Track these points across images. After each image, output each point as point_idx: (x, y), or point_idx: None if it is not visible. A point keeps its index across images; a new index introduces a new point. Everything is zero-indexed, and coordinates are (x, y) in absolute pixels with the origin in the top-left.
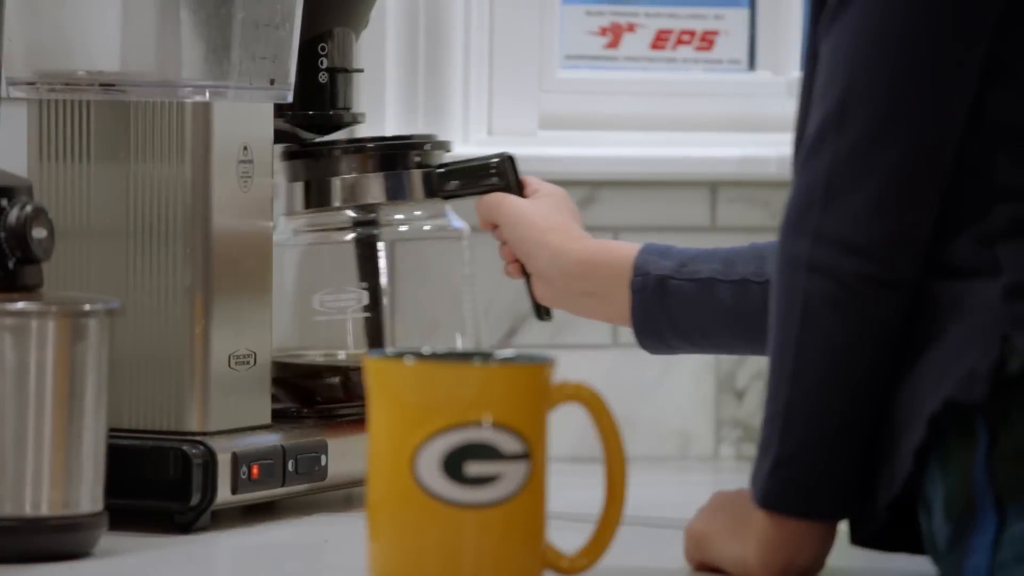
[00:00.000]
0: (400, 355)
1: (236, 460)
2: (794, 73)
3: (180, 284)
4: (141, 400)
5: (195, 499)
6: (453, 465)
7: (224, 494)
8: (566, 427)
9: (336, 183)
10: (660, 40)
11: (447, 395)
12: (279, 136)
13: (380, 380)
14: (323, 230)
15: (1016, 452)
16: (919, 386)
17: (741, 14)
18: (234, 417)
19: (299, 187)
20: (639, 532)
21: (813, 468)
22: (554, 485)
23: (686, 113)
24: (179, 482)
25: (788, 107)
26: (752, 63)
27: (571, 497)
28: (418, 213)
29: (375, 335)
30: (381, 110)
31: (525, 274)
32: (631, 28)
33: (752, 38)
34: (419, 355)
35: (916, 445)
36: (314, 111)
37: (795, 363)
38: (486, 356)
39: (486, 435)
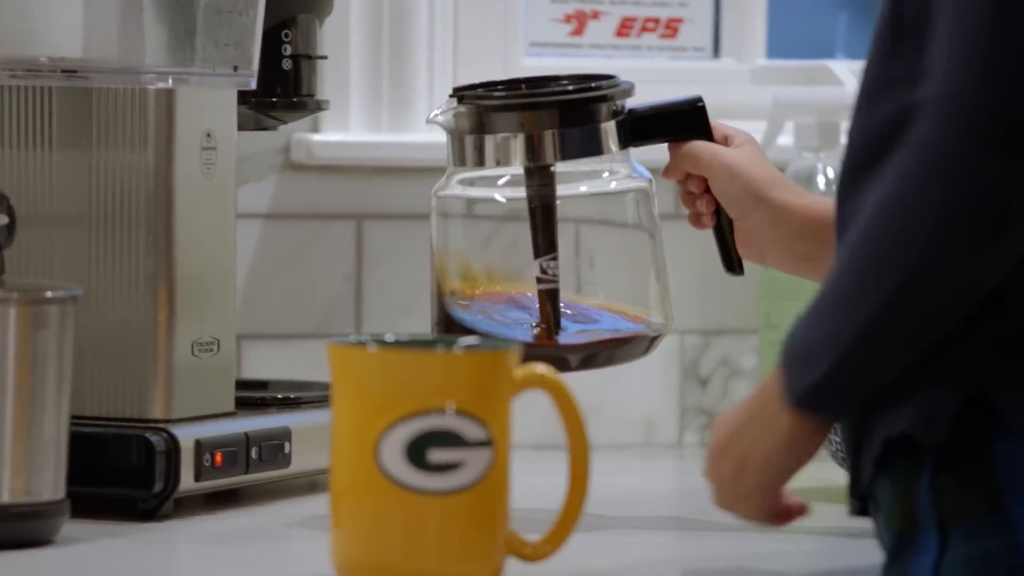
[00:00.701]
0: (363, 342)
1: (199, 447)
2: (758, 60)
3: (143, 271)
4: (104, 387)
5: (158, 486)
6: (416, 452)
7: (187, 481)
8: (530, 415)
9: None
10: (624, 27)
11: (410, 382)
12: (242, 123)
13: (343, 367)
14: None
15: (960, 477)
16: (901, 379)
17: (705, 2)
18: (197, 404)
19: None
20: (602, 520)
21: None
22: (518, 473)
23: (651, 99)
24: (142, 469)
25: (752, 95)
26: (716, 51)
27: (535, 484)
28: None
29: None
30: (345, 97)
31: (718, 225)
32: (595, 15)
33: (716, 26)
34: (382, 342)
35: (875, 458)
36: (278, 98)
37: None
38: (449, 343)
39: (449, 422)
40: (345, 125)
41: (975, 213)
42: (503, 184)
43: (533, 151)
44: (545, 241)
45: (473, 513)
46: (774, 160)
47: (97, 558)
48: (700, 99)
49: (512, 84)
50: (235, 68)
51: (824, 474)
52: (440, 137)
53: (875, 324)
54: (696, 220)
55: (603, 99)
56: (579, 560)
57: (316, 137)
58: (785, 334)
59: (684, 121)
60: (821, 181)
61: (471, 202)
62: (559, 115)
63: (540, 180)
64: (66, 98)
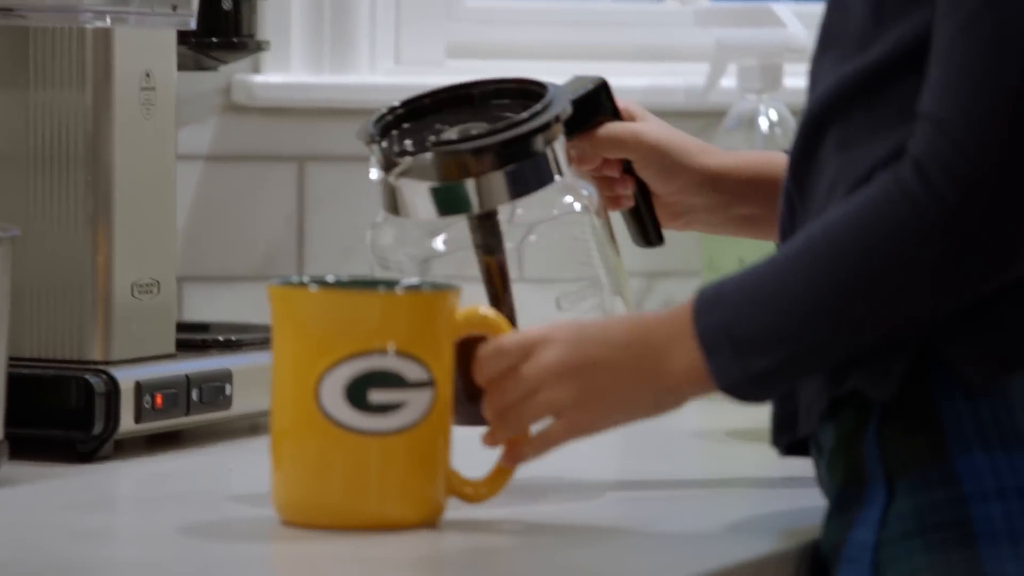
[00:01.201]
0: (304, 283)
1: (139, 389)
2: (701, 2)
3: (82, 212)
4: (43, 329)
5: (97, 428)
6: (357, 393)
7: (127, 423)
8: None
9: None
10: None
11: (350, 323)
12: (182, 63)
13: (284, 308)
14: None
15: (906, 428)
16: None
17: None
18: (137, 346)
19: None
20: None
21: (798, 380)
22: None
23: (593, 43)
24: (81, 411)
25: (695, 37)
26: None
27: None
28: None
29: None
30: (286, 38)
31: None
32: None
33: None
34: (323, 283)
35: (821, 411)
36: (218, 38)
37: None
38: (390, 284)
39: (390, 363)
40: (286, 66)
41: (963, 262)
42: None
43: (480, 198)
44: (506, 301)
45: (413, 454)
46: (717, 103)
47: (36, 499)
48: (602, 79)
49: (435, 119)
50: (174, 7)
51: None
52: (383, 79)
53: (837, 335)
54: (616, 203)
55: (548, 126)
56: (521, 501)
57: (257, 78)
58: (708, 292)
59: (593, 105)
60: (764, 123)
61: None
62: (502, 156)
63: (486, 227)
64: (2, 37)
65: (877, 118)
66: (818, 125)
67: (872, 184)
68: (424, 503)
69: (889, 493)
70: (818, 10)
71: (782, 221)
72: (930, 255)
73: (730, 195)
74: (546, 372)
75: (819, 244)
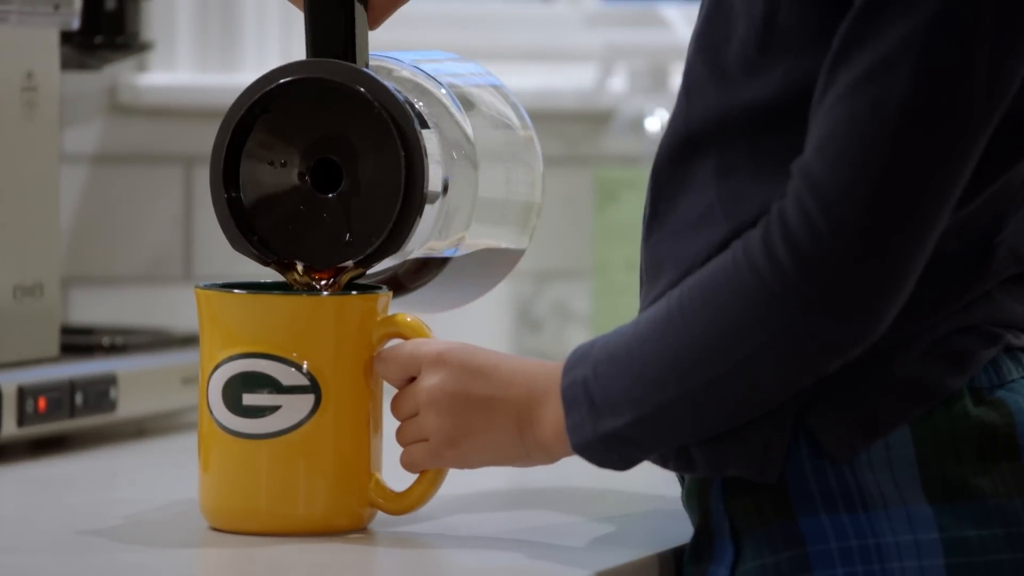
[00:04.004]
0: (224, 285)
1: (21, 393)
2: (590, 4)
3: None
4: None
5: None
6: (233, 396)
7: (9, 427)
8: None
9: None
10: None
11: (236, 325)
12: (65, 63)
13: (202, 309)
14: None
15: (751, 485)
16: None
17: None
18: (20, 349)
19: None
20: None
21: (651, 448)
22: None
23: (483, 44)
24: None
25: (584, 38)
26: None
27: None
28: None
29: None
30: (172, 37)
31: None
32: None
33: None
34: (222, 285)
35: (686, 474)
36: (101, 38)
37: (734, 374)
38: (284, 287)
39: (262, 366)
40: (172, 65)
41: (804, 336)
42: None
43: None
44: None
45: (297, 459)
46: (606, 104)
47: None
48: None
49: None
50: (56, 6)
51: None
52: None
53: (685, 402)
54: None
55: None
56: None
57: (142, 79)
58: (581, 348)
59: None
60: (652, 124)
61: None
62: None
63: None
64: None
65: (761, 157)
66: (696, 143)
67: (731, 247)
68: (325, 510)
69: (736, 550)
70: None
71: (645, 223)
72: (771, 327)
73: None
74: (426, 397)
75: (675, 307)
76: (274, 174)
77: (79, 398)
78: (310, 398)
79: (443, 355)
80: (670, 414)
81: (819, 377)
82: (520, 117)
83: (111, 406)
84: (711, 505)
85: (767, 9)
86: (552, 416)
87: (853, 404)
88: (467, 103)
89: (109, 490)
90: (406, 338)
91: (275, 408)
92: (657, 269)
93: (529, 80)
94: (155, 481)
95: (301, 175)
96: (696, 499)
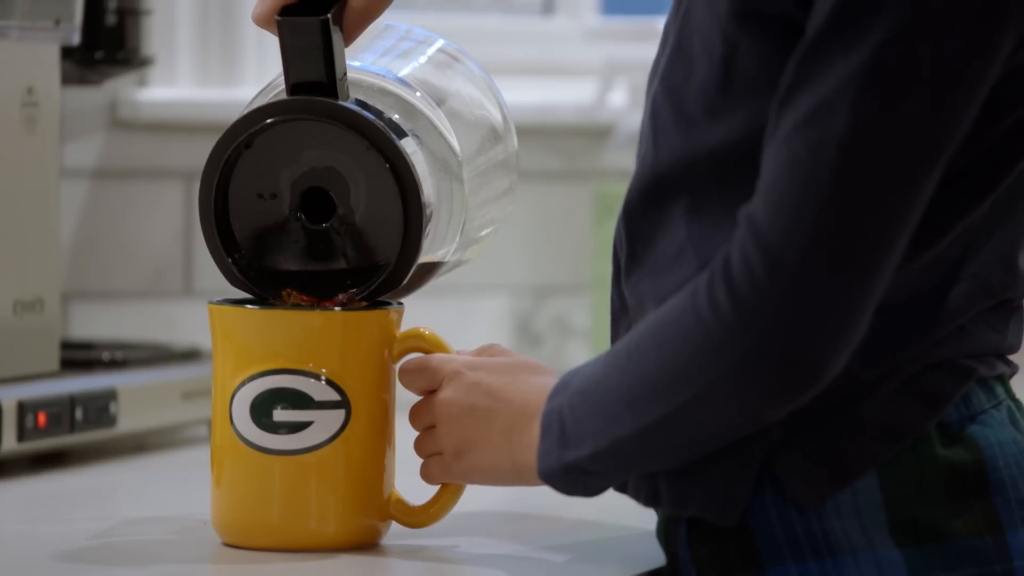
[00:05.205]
0: (237, 301)
1: (21, 408)
2: (590, 19)
3: None
4: None
5: None
6: (263, 412)
7: (9, 443)
8: None
9: None
10: None
11: (259, 341)
12: (66, 78)
13: (213, 324)
14: None
15: (717, 532)
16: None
17: None
18: (20, 364)
19: None
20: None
21: (611, 479)
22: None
23: (483, 58)
24: None
25: (584, 53)
26: (549, 8)
27: None
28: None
29: None
30: (173, 52)
31: None
32: None
33: None
34: (254, 301)
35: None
36: (102, 53)
37: (685, 411)
38: (322, 305)
39: (294, 382)
40: (173, 80)
41: (746, 382)
42: None
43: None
44: None
45: (325, 475)
46: (606, 119)
47: None
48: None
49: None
50: (57, 22)
51: None
52: None
53: (640, 438)
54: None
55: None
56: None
57: (143, 95)
58: (565, 375)
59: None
60: None
61: None
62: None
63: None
64: None
65: (732, 196)
66: (666, 186)
67: (684, 288)
68: (347, 525)
69: None
70: None
71: (623, 263)
72: (712, 373)
73: None
74: (439, 410)
75: (632, 344)
76: (264, 206)
77: (79, 413)
78: (341, 413)
79: (462, 368)
80: (625, 448)
81: (768, 422)
82: (493, 94)
83: (111, 421)
84: (679, 552)
85: (726, 51)
86: (534, 440)
87: (821, 447)
88: (441, 99)
89: (109, 505)
90: (427, 352)
91: (307, 424)
92: (640, 308)
93: (529, 95)
94: (156, 496)
95: (292, 207)
96: (663, 543)
